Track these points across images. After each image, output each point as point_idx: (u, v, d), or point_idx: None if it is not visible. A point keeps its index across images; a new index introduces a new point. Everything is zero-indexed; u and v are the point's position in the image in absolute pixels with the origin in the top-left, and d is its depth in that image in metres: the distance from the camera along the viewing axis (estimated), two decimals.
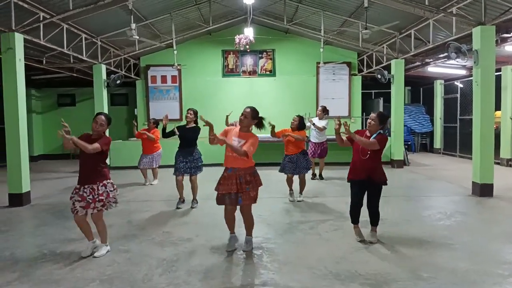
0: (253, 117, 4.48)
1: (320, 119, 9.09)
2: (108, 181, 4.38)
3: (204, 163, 6.86)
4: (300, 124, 7.02)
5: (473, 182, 7.54)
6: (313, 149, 9.20)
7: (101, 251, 4.44)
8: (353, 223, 4.89)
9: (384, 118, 4.70)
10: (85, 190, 4.23)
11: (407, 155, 12.21)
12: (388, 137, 6.71)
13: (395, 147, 11.47)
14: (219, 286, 3.63)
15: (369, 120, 4.70)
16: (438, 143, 15.66)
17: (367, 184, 4.66)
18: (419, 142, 16.34)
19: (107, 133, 4.89)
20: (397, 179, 9.47)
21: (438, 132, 15.60)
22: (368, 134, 4.68)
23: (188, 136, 6.63)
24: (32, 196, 7.52)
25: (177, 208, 6.71)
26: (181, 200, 6.86)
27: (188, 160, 6.60)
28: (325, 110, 9.16)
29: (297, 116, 7.11)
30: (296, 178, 7.17)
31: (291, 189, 7.25)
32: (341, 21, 11.30)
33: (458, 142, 14.03)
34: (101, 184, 4.30)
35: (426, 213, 6.19)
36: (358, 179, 4.68)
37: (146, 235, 5.21)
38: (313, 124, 8.80)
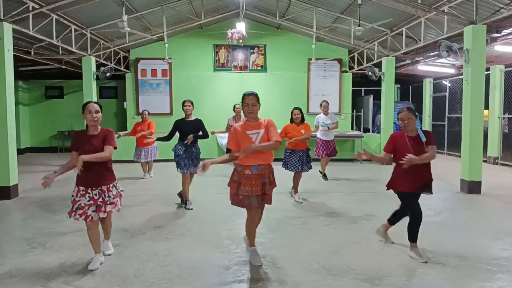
0: (258, 101, 3.96)
1: (325, 115, 8.74)
2: (116, 181, 4.07)
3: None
4: (302, 116, 6.75)
5: (461, 179, 7.63)
6: (321, 147, 8.73)
7: (111, 248, 4.33)
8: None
9: (414, 111, 4.36)
10: (95, 192, 3.84)
11: None
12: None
13: (384, 144, 11.51)
14: (211, 281, 3.62)
15: (404, 122, 4.32)
16: None
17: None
18: None
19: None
20: (387, 176, 9.45)
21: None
22: (411, 135, 4.44)
23: (191, 130, 6.19)
24: (20, 189, 7.41)
25: (188, 209, 6.25)
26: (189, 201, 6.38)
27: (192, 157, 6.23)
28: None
29: (295, 108, 6.77)
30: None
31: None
32: (333, 17, 11.31)
33: (446, 139, 14.19)
34: (111, 185, 3.96)
35: None
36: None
37: (137, 229, 5.17)
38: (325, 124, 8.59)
